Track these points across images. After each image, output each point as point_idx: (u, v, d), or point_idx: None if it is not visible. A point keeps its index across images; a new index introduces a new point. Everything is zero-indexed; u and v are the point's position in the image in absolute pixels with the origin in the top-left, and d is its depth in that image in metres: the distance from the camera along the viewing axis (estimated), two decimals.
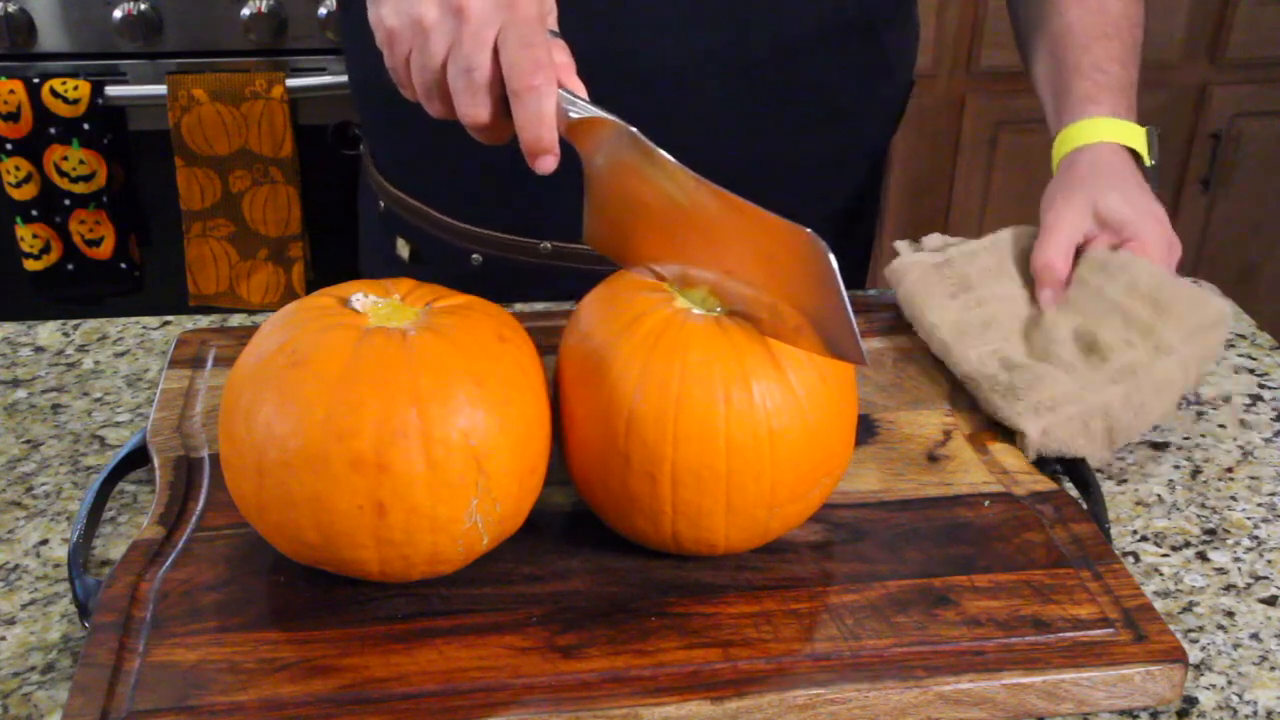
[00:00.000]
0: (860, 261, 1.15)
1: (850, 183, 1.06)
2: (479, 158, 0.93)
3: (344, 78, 1.47)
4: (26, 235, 1.77)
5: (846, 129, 1.00)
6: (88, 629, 0.63)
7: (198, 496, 0.72)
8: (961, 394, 0.83)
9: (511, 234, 0.99)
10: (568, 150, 0.66)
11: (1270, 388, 0.90)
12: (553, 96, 0.64)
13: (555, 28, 0.69)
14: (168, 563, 0.67)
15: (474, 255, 0.99)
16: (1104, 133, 0.92)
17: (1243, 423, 0.86)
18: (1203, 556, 0.73)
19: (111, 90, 1.72)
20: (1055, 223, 0.89)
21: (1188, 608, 0.69)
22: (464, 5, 0.65)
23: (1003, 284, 0.89)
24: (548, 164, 0.65)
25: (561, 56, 0.67)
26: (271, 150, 1.76)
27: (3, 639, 0.66)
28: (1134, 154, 0.93)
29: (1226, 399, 0.88)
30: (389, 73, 0.71)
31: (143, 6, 1.71)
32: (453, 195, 1.00)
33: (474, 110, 0.66)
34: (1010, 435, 0.79)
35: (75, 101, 1.70)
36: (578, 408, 0.66)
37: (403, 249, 1.06)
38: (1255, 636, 0.67)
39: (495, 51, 0.65)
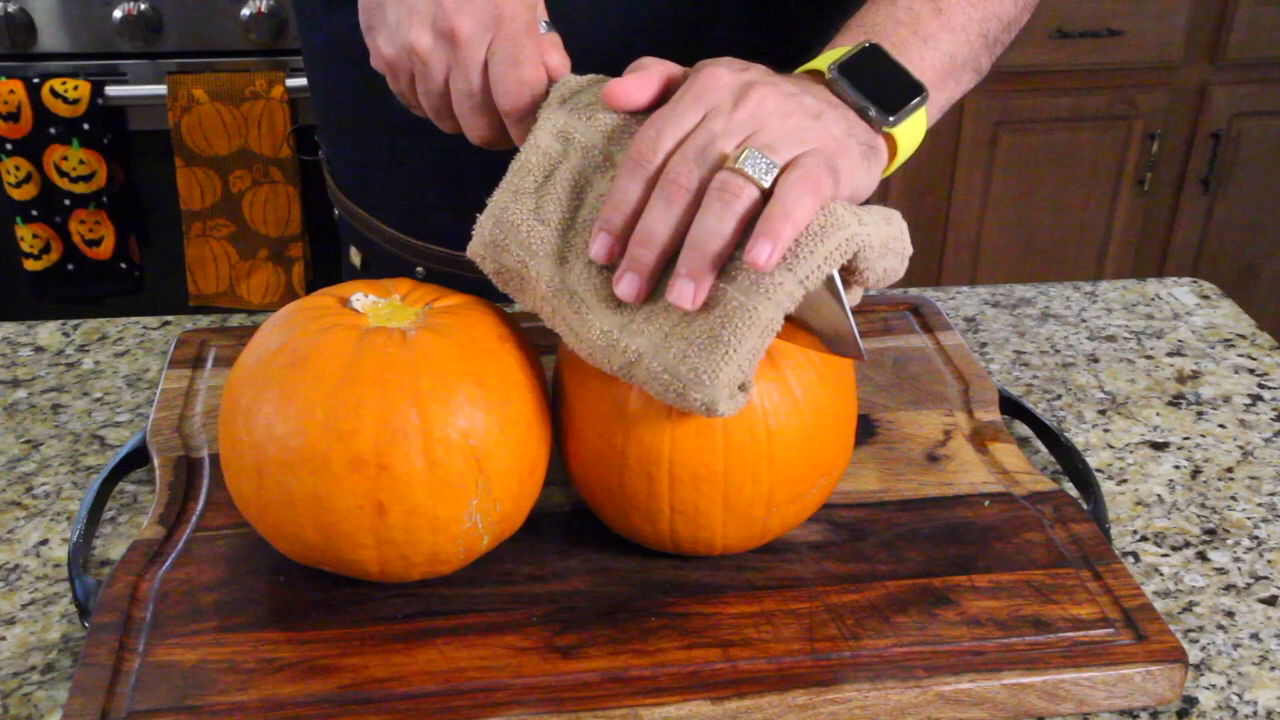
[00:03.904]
0: None
1: None
2: (424, 174, 0.93)
3: None
4: (26, 235, 1.77)
5: None
6: (88, 629, 0.63)
7: (198, 496, 0.72)
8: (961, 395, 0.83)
9: (455, 249, 0.98)
10: None
11: (1270, 388, 0.90)
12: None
13: (546, 17, 0.69)
14: (168, 563, 0.67)
15: (418, 268, 0.99)
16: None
17: (1243, 423, 0.86)
18: (1203, 556, 0.73)
19: (111, 90, 1.72)
20: None
21: (1188, 608, 0.69)
22: (455, 29, 0.65)
23: None
24: None
25: (553, 56, 0.67)
26: (271, 150, 1.76)
27: (3, 639, 0.66)
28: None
29: (1226, 399, 0.88)
30: (396, 96, 0.71)
31: (143, 6, 1.71)
32: (397, 208, 0.99)
33: (478, 131, 0.68)
34: (1011, 432, 0.79)
35: (75, 101, 1.70)
36: (576, 407, 0.66)
37: (355, 257, 1.05)
38: (1255, 636, 0.67)
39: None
